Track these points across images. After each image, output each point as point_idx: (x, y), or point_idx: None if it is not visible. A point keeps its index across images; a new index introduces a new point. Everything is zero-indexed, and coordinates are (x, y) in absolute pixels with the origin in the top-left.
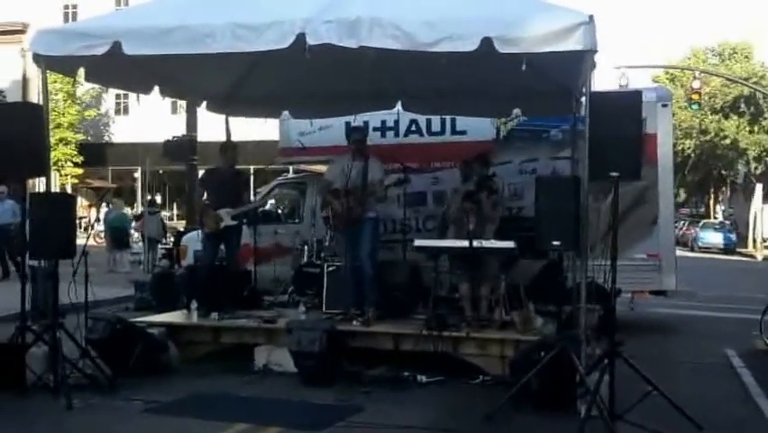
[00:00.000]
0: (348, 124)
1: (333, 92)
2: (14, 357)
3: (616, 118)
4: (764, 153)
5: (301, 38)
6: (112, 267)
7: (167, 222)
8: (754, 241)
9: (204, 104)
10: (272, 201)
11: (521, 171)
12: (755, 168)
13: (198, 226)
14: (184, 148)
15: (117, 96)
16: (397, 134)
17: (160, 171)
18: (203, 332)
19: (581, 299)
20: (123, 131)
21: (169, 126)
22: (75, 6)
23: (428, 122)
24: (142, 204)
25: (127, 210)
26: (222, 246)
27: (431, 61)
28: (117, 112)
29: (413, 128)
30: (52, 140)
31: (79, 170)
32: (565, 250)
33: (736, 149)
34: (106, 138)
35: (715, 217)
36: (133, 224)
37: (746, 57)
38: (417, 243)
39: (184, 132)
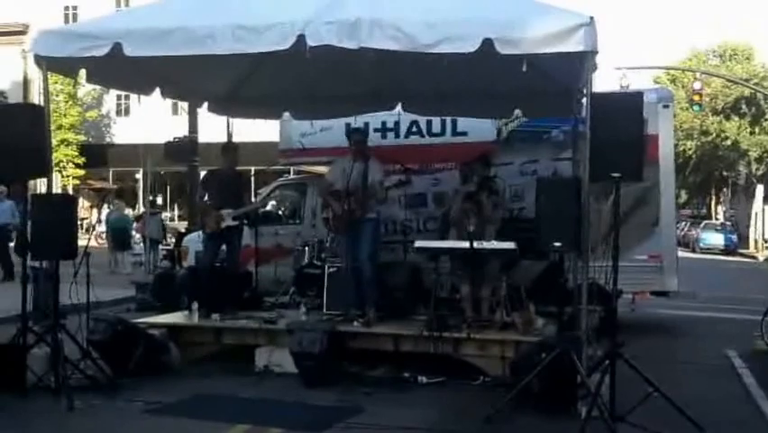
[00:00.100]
0: (348, 125)
1: (334, 93)
2: (16, 358)
3: (617, 119)
4: (766, 154)
5: (301, 39)
6: (113, 268)
7: (167, 223)
8: (756, 242)
9: (205, 105)
10: (273, 202)
11: (522, 172)
12: (757, 169)
13: (200, 227)
14: (185, 149)
15: (118, 98)
16: (397, 136)
17: (162, 173)
18: (204, 333)
19: (582, 300)
20: (124, 132)
21: (171, 127)
22: (75, 8)
23: (429, 123)
24: (144, 205)
25: (128, 211)
26: (223, 247)
27: (431, 62)
28: (118, 113)
29: (413, 129)
30: (54, 141)
31: (81, 172)
32: (566, 251)
33: (738, 150)
34: (108, 139)
35: (716, 218)
36: (134, 225)
37: (747, 58)
38: (418, 244)
39: (185, 133)
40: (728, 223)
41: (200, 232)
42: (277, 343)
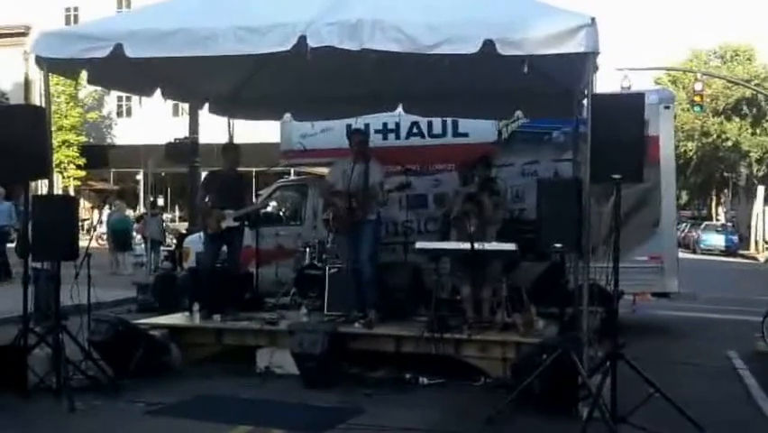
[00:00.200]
0: (349, 126)
1: (335, 94)
2: (17, 359)
3: (618, 120)
4: (766, 155)
5: (303, 40)
6: (114, 269)
7: (168, 224)
8: (756, 243)
9: (206, 106)
10: (274, 203)
11: (523, 174)
12: (757, 170)
13: (201, 229)
14: (186, 150)
15: (119, 99)
16: (398, 137)
17: (163, 174)
18: (205, 334)
19: (583, 301)
20: (125, 133)
21: (171, 129)
22: (76, 9)
23: (429, 124)
24: (145, 206)
25: (129, 212)
26: (224, 248)
27: (432, 64)
28: (119, 114)
29: (414, 130)
30: (55, 142)
31: (82, 173)
32: (567, 252)
33: (739, 151)
34: (109, 140)
35: (717, 219)
36: (135, 225)
37: (748, 59)
38: (419, 245)
39: (186, 134)
40: (729, 224)
41: (201, 233)
42: (278, 344)
